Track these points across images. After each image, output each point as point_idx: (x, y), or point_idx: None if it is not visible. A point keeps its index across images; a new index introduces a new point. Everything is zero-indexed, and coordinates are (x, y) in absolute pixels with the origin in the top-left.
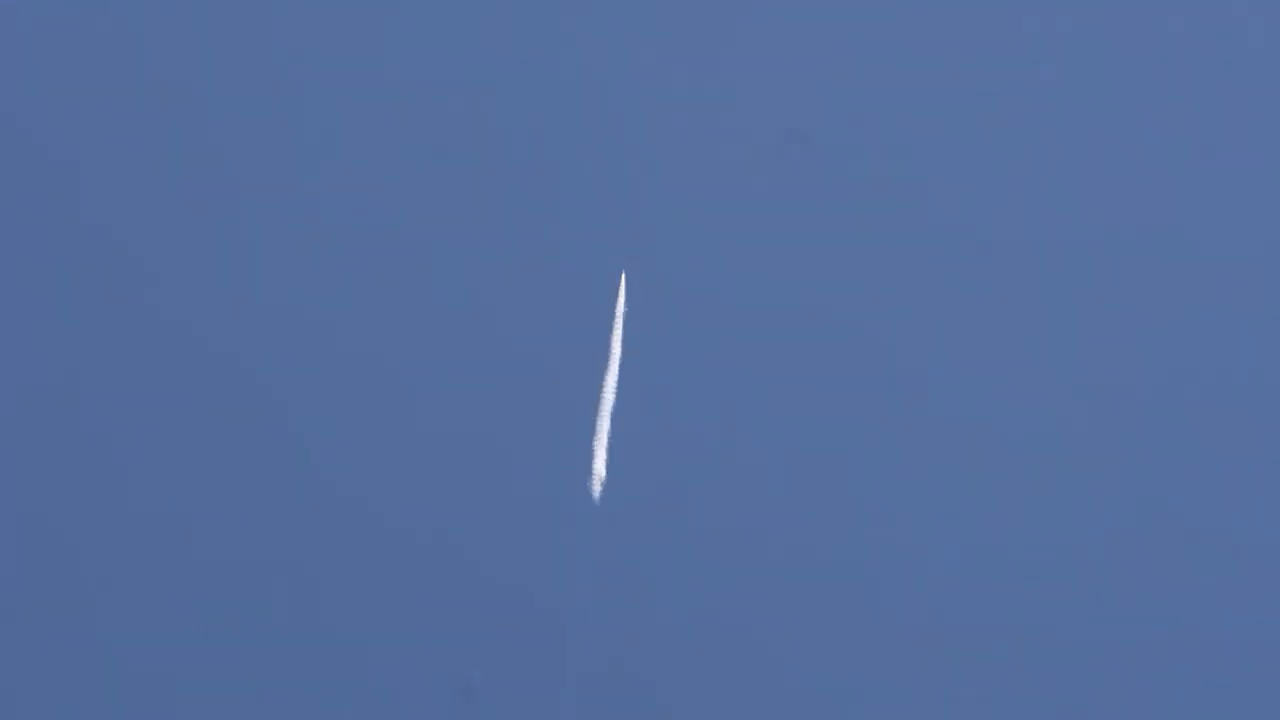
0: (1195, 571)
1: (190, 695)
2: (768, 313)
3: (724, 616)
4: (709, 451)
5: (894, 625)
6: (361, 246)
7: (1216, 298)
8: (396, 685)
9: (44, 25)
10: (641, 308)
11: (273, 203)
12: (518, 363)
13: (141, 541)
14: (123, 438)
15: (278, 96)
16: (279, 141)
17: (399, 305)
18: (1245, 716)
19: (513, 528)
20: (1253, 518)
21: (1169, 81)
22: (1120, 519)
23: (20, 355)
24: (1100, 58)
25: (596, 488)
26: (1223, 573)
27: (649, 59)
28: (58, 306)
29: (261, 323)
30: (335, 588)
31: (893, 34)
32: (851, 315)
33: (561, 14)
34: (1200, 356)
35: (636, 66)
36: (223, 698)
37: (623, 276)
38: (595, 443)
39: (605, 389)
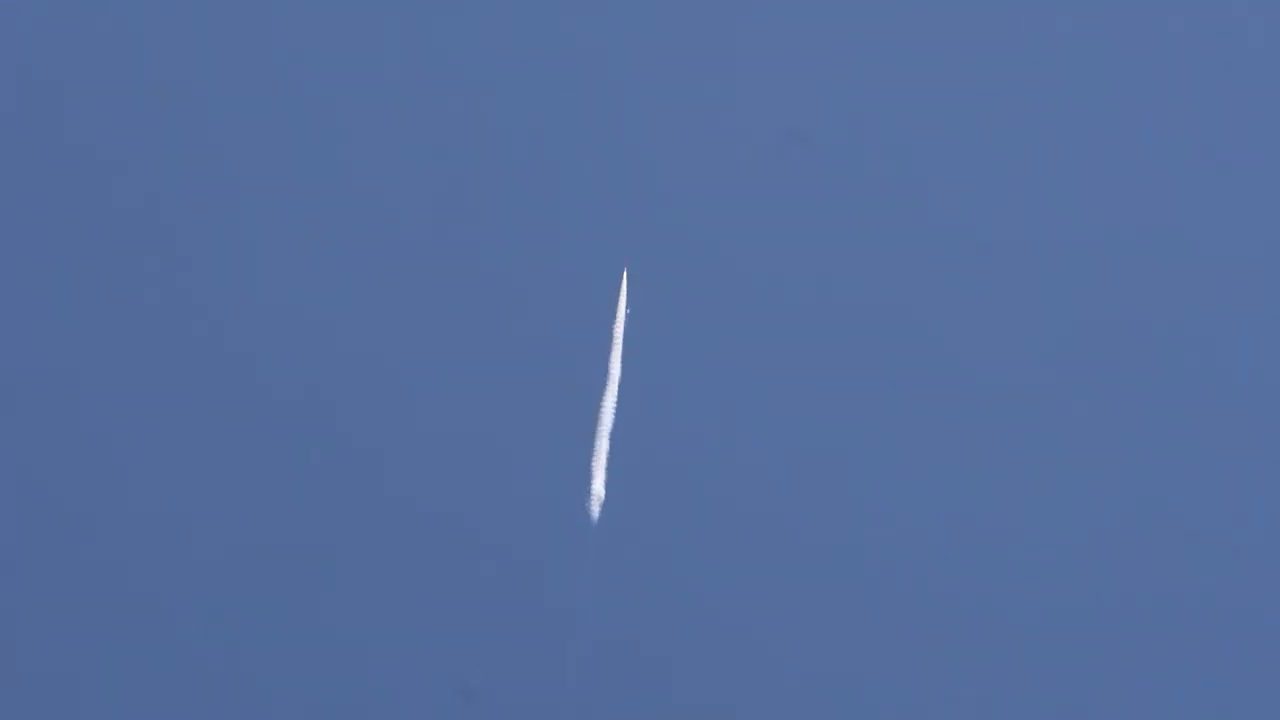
0: (1193, 566)
1: (191, 694)
2: (768, 324)
3: (722, 620)
4: (708, 469)
5: (898, 635)
6: (363, 253)
7: (1216, 293)
8: (396, 685)
9: (55, 28)
10: (641, 321)
11: (273, 203)
12: (519, 364)
13: (143, 540)
14: (125, 433)
15: (287, 97)
16: (282, 143)
17: (398, 312)
18: (1244, 715)
19: (513, 530)
20: (1251, 516)
21: (1168, 79)
22: (1117, 513)
23: (20, 352)
24: (1099, 57)
25: (595, 508)
26: (1221, 570)
27: (649, 61)
28: (59, 302)
29: (260, 327)
30: (336, 588)
31: (893, 34)
32: (850, 322)
33: (564, 17)
34: (1200, 352)
35: (637, 68)
36: (224, 697)
37: (623, 277)
38: (594, 463)
39: (604, 409)
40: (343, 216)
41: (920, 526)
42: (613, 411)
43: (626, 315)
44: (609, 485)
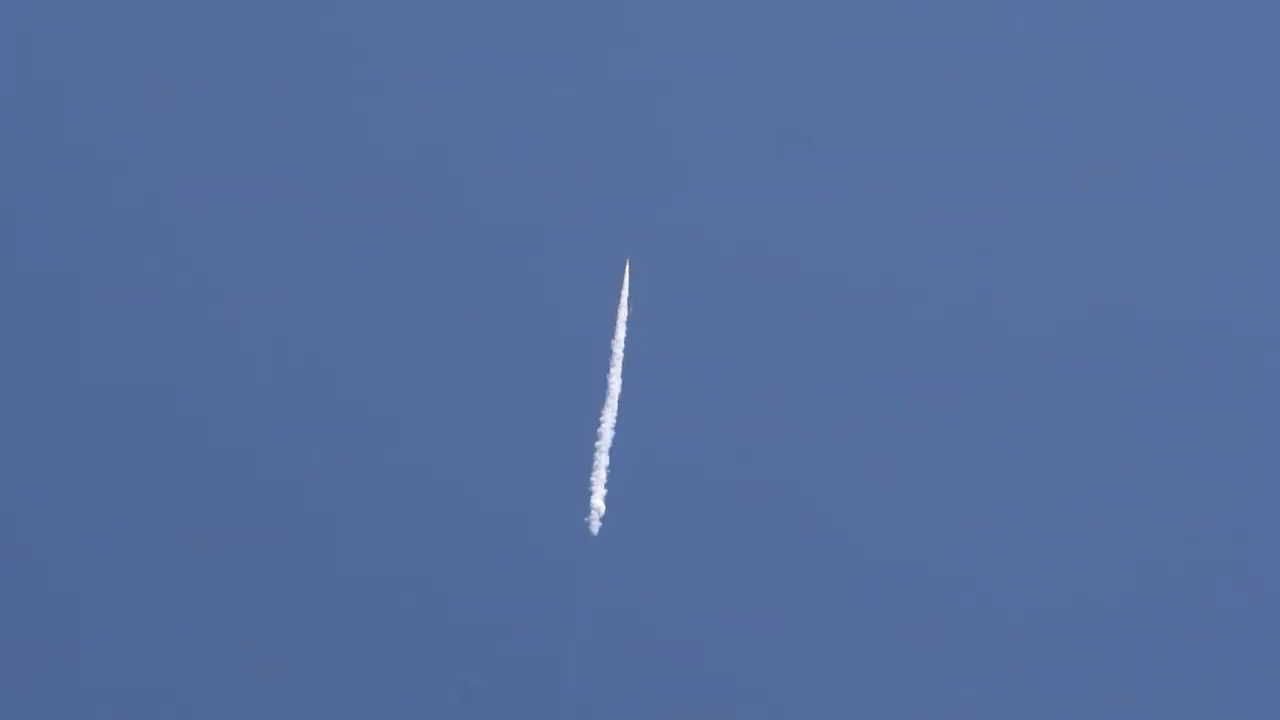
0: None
1: (192, 695)
2: (769, 332)
3: (720, 625)
4: (708, 481)
5: (890, 652)
6: (364, 261)
7: (1216, 292)
8: (396, 685)
9: (74, 25)
10: (641, 333)
11: (274, 203)
12: (519, 365)
13: (145, 541)
14: (128, 435)
15: (289, 98)
16: (284, 143)
17: (397, 320)
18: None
19: (513, 530)
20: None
21: (1167, 79)
22: (1118, 510)
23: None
24: (1098, 58)
25: (595, 523)
26: (1222, 568)
27: (650, 61)
28: (61, 302)
29: (258, 332)
30: (337, 589)
31: (892, 35)
32: (850, 324)
33: (567, 17)
34: (1203, 354)
35: (638, 69)
36: (225, 697)
37: (623, 283)
38: (593, 479)
39: (604, 425)
40: (340, 223)
41: (924, 540)
42: (612, 427)
43: (626, 328)
44: (609, 500)
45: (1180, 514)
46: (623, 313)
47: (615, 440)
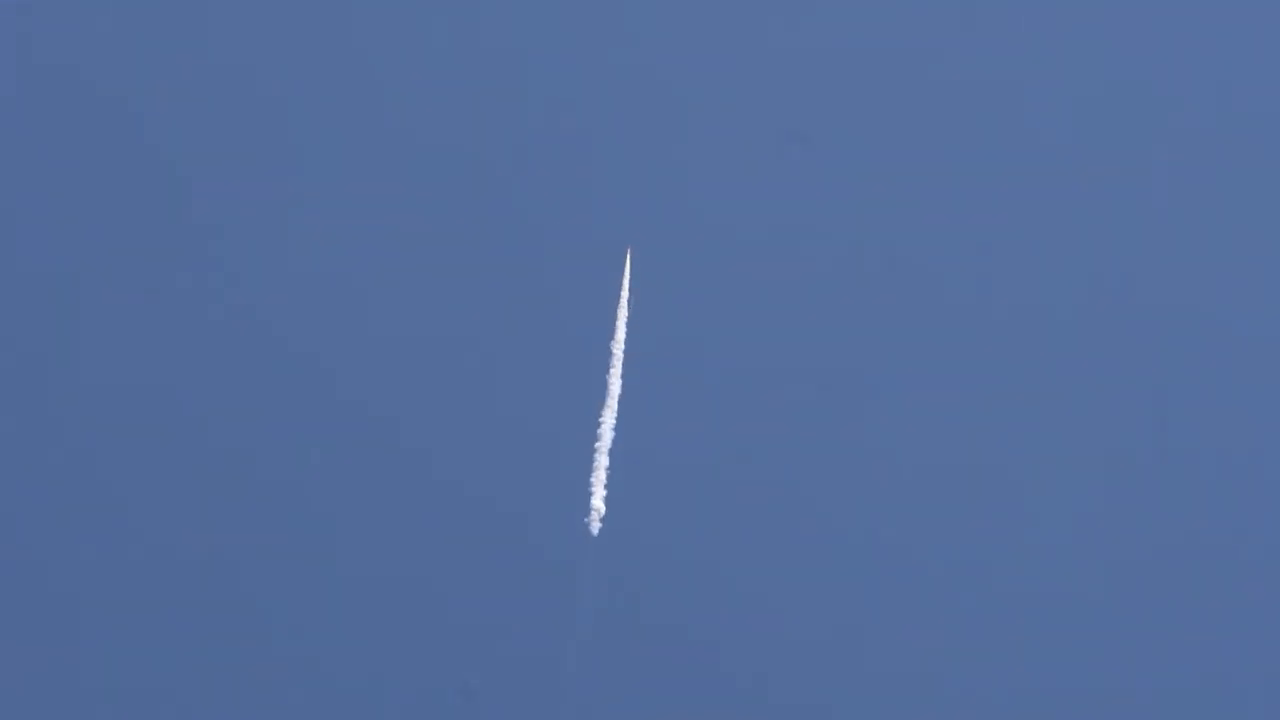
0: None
1: (192, 694)
2: (768, 333)
3: (721, 626)
4: (708, 486)
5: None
6: (365, 259)
7: (1216, 291)
8: (396, 685)
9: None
10: (641, 333)
11: (269, 204)
12: (519, 367)
13: (144, 539)
14: (133, 435)
15: (286, 97)
16: (281, 143)
17: (397, 322)
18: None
19: (514, 531)
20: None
21: (1166, 79)
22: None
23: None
24: (1101, 56)
25: (595, 523)
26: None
27: (650, 62)
28: (62, 303)
29: (254, 334)
30: (338, 589)
31: (892, 35)
32: (851, 326)
33: (567, 19)
34: (1205, 352)
35: (637, 69)
36: (225, 697)
37: (625, 269)
38: (593, 479)
39: (603, 426)
40: (336, 222)
41: (928, 542)
42: (612, 428)
43: (627, 329)
44: (608, 500)
45: (1182, 511)
46: (623, 313)
47: (615, 441)
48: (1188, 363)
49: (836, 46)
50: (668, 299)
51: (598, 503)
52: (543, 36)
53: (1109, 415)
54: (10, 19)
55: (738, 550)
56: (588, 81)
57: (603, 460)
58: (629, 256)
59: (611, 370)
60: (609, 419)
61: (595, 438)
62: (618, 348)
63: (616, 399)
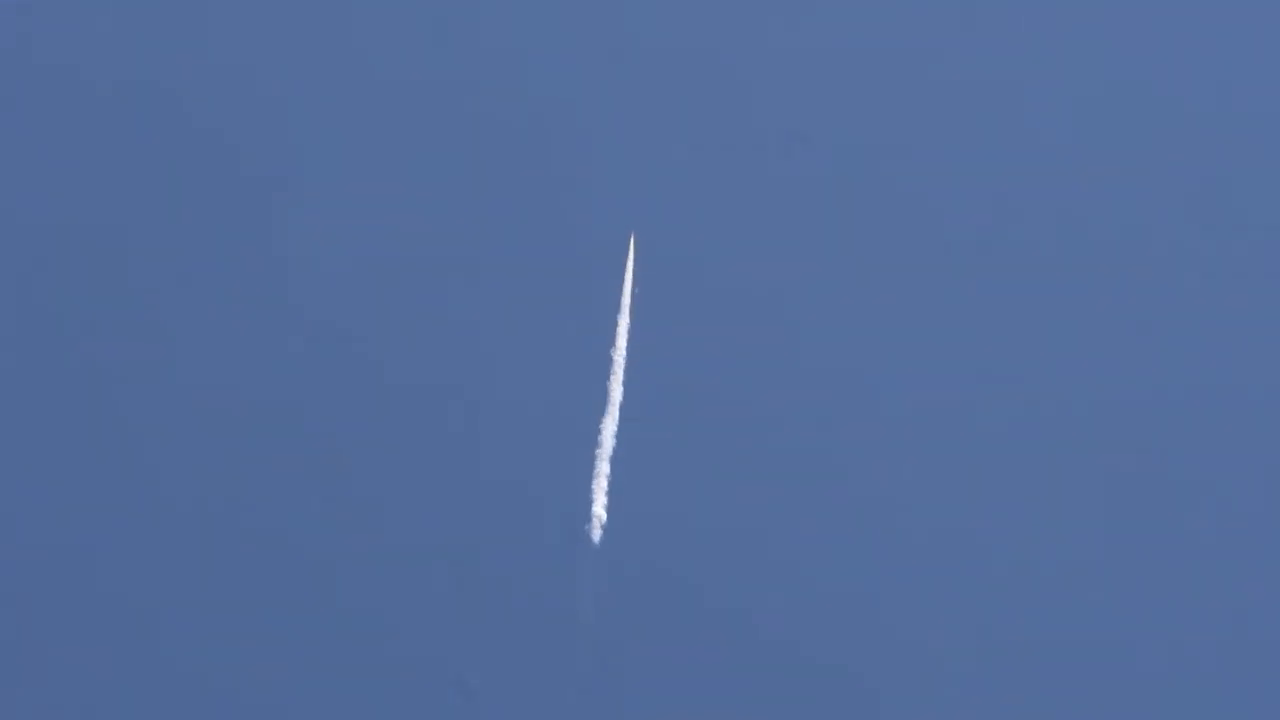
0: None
1: (191, 694)
2: (769, 338)
3: (723, 633)
4: (710, 494)
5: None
6: (360, 265)
7: (1218, 290)
8: (396, 685)
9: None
10: (642, 339)
11: (266, 205)
12: (518, 375)
13: (148, 540)
14: (140, 437)
15: (285, 95)
16: (279, 142)
17: (396, 321)
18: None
19: (514, 531)
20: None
21: (1166, 79)
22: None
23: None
24: (1103, 58)
25: (596, 530)
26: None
27: (650, 62)
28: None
29: (258, 331)
30: (338, 589)
31: (893, 35)
32: (853, 332)
33: (568, 18)
34: (1206, 351)
35: (638, 70)
36: (224, 697)
37: (624, 299)
38: (595, 486)
39: (604, 433)
40: (335, 227)
41: (935, 555)
42: (613, 435)
43: (628, 335)
44: (609, 508)
45: (1186, 508)
46: (624, 320)
47: (616, 448)
48: (1187, 356)
49: (837, 46)
50: (668, 305)
51: (599, 510)
52: (541, 36)
53: (1110, 415)
54: (9, 17)
55: (740, 557)
56: (588, 82)
57: (604, 467)
58: (630, 266)
59: (612, 377)
60: (610, 426)
61: (596, 444)
62: (619, 355)
63: (618, 406)
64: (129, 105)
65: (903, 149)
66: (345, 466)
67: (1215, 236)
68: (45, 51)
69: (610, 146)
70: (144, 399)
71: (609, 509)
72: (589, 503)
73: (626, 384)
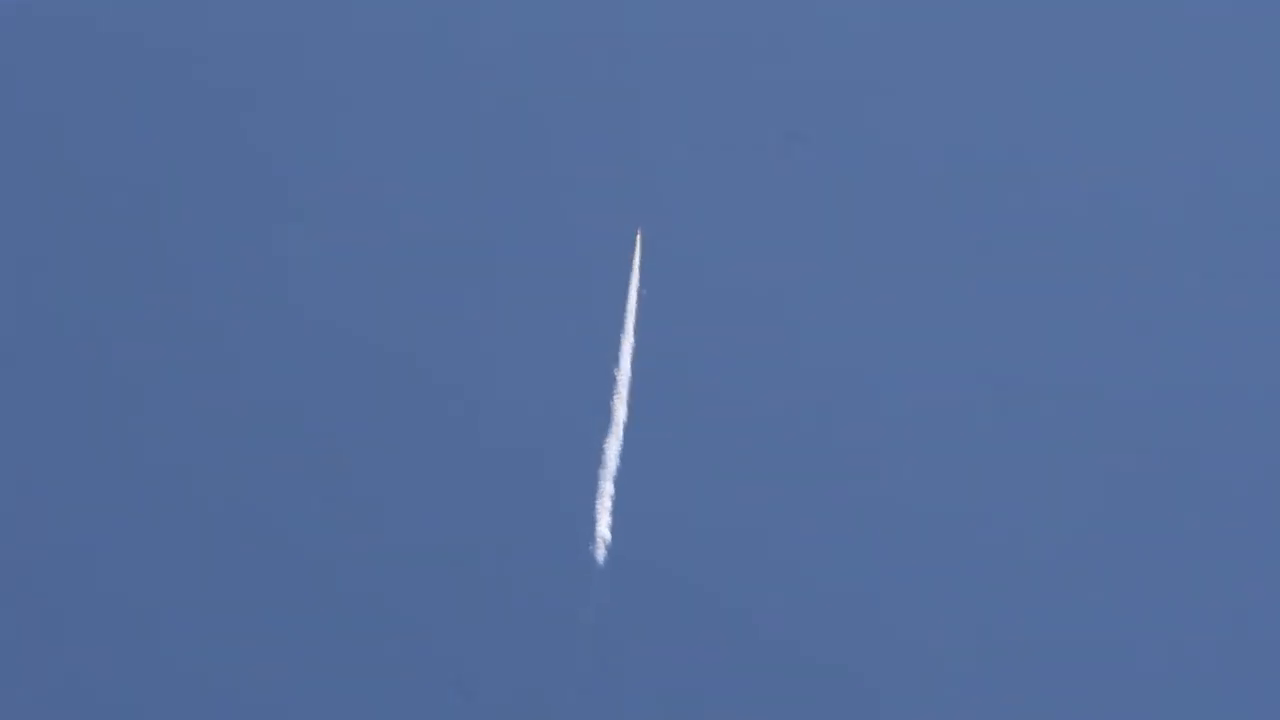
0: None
1: (190, 694)
2: (778, 362)
3: (728, 655)
4: (715, 513)
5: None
6: (360, 275)
7: (1217, 291)
8: (396, 685)
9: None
10: (645, 365)
11: (276, 204)
12: (521, 394)
13: (147, 539)
14: (137, 435)
15: (284, 95)
16: (278, 142)
17: (400, 328)
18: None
19: (514, 531)
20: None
21: (1166, 77)
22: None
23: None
24: (1106, 60)
25: (600, 551)
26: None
27: (650, 63)
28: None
29: (260, 330)
30: (338, 589)
31: (893, 35)
32: (856, 339)
33: (568, 18)
34: (1208, 350)
35: (637, 70)
36: (224, 697)
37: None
38: (599, 506)
39: (608, 454)
40: (336, 234)
41: (946, 575)
42: (618, 455)
43: (634, 339)
44: (614, 529)
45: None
46: (627, 341)
47: (620, 469)
48: (1189, 356)
49: (838, 46)
50: (671, 312)
51: (603, 530)
52: (541, 36)
53: (1116, 415)
54: (10, 17)
55: (748, 570)
56: (587, 81)
57: (608, 488)
58: (636, 265)
59: (616, 396)
60: (614, 446)
61: (600, 464)
62: (623, 374)
63: (622, 426)
64: (130, 103)
65: (905, 149)
66: (346, 467)
67: (1216, 237)
68: (47, 53)
69: (610, 146)
70: (142, 399)
71: (612, 530)
72: (593, 523)
73: (631, 402)
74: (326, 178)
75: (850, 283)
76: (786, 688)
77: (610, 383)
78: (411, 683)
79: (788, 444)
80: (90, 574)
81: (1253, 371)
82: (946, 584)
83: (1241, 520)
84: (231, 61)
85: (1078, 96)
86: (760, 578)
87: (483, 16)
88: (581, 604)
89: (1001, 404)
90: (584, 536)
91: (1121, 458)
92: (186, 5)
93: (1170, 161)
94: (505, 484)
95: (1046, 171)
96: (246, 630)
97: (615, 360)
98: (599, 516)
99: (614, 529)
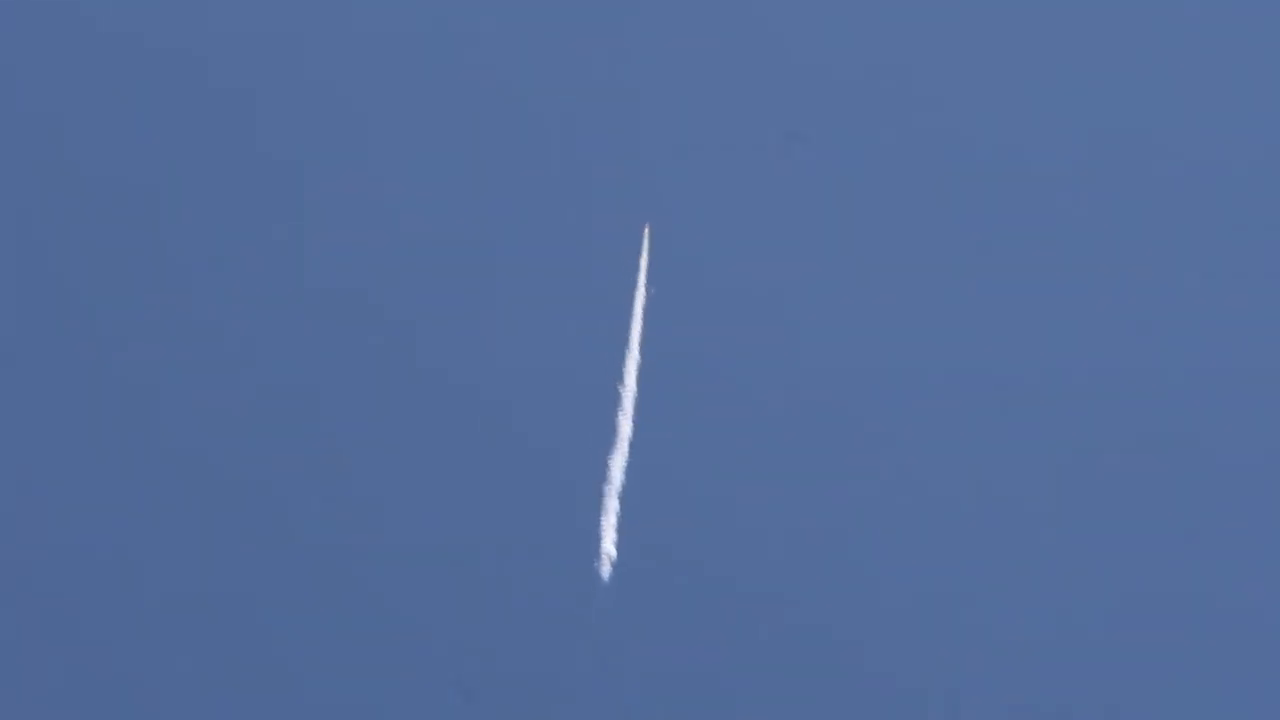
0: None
1: (190, 694)
2: (783, 376)
3: (733, 673)
4: (718, 530)
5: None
6: (360, 280)
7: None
8: (396, 685)
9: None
10: (651, 382)
11: (277, 206)
12: (525, 407)
13: (145, 538)
14: (138, 434)
15: (284, 94)
16: (277, 141)
17: (396, 341)
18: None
19: (514, 532)
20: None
21: (1167, 77)
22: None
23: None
24: (1106, 59)
25: (605, 567)
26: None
27: (649, 62)
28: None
29: (261, 330)
30: (339, 589)
31: (892, 36)
32: (877, 359)
33: (584, 22)
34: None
35: (637, 70)
36: (224, 696)
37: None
38: (604, 523)
39: (612, 469)
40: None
41: (936, 569)
42: (623, 470)
43: (638, 366)
44: (619, 545)
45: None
46: (632, 360)
47: (625, 485)
48: (1191, 355)
49: (838, 46)
50: (672, 323)
51: (608, 547)
52: (540, 35)
53: (1111, 416)
54: (10, 16)
55: (746, 581)
56: (586, 81)
57: (613, 504)
58: (643, 265)
59: (621, 413)
60: (619, 461)
61: (605, 480)
62: (628, 392)
63: (627, 441)
64: (130, 102)
65: (905, 149)
66: (347, 467)
67: (1216, 237)
68: (49, 56)
69: (609, 146)
70: (143, 398)
71: (618, 546)
72: (598, 539)
73: (636, 419)
74: (326, 178)
75: (850, 283)
76: (786, 689)
77: (614, 386)
78: (411, 683)
79: (788, 445)
80: (90, 573)
81: (1253, 370)
82: (947, 586)
83: (1242, 519)
84: (252, 63)
85: (1078, 96)
86: (759, 578)
87: (484, 17)
88: (583, 605)
89: (1002, 403)
90: (584, 536)
91: (1122, 457)
92: (186, 5)
93: (1170, 161)
94: (505, 482)
95: (1046, 171)
96: (248, 630)
97: (618, 359)
98: (602, 515)
99: (614, 530)
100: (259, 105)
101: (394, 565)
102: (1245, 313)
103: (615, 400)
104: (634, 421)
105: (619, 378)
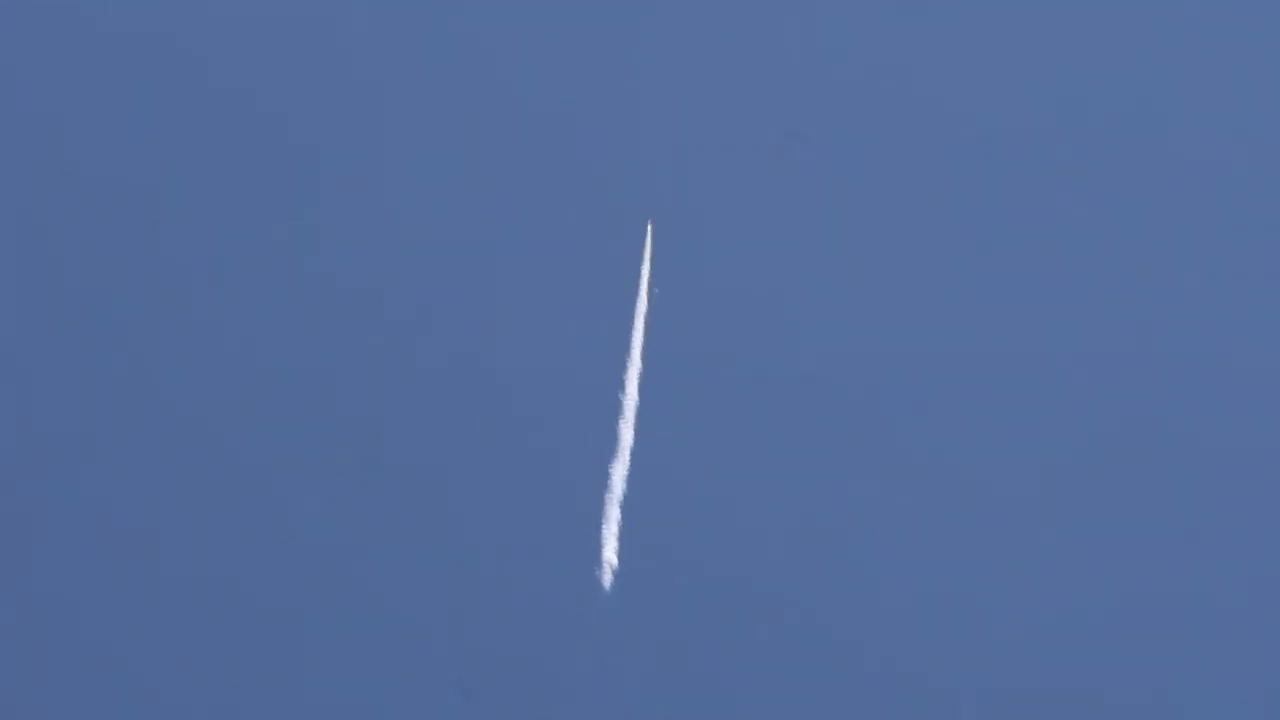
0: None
1: (189, 694)
2: (787, 386)
3: (735, 682)
4: (723, 539)
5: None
6: (362, 284)
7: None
8: (396, 685)
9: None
10: (652, 389)
11: (280, 205)
12: (526, 414)
13: (150, 539)
14: (137, 434)
15: (285, 94)
16: (277, 142)
17: (397, 344)
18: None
19: (514, 532)
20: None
21: (1169, 82)
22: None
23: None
24: (1100, 59)
25: (607, 576)
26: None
27: (648, 62)
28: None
29: (262, 330)
30: (339, 589)
31: (892, 36)
32: (881, 363)
33: (587, 23)
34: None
35: (637, 70)
36: (224, 696)
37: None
38: (605, 531)
39: (614, 478)
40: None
41: (937, 572)
42: (624, 479)
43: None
44: (620, 553)
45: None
46: (634, 368)
47: (627, 492)
48: (1193, 355)
49: (838, 46)
50: (671, 323)
51: (610, 555)
52: (539, 35)
53: (1111, 415)
54: (11, 16)
55: (752, 608)
56: (586, 81)
57: (614, 513)
58: (646, 263)
59: (622, 420)
60: (620, 469)
61: (606, 488)
62: (629, 400)
63: (629, 449)
64: (130, 101)
65: (905, 149)
66: (348, 468)
67: (1216, 236)
68: (49, 56)
69: (609, 147)
70: (143, 397)
71: (619, 553)
72: (599, 548)
73: (637, 427)
74: (329, 179)
75: (850, 283)
76: (786, 689)
77: (617, 387)
78: (411, 683)
79: (789, 452)
80: (91, 572)
81: (1252, 368)
82: (947, 588)
83: (1243, 516)
84: (254, 63)
85: (1077, 95)
86: (759, 583)
87: (488, 17)
88: (583, 608)
89: (1003, 403)
90: (584, 535)
91: (1121, 455)
92: (187, 5)
93: (1169, 160)
94: (505, 482)
95: (1046, 170)
96: (249, 629)
97: (620, 367)
98: (604, 522)
99: (615, 538)
100: (262, 104)
101: (395, 568)
102: (1245, 311)
103: (617, 408)
104: (635, 429)
105: (620, 385)
